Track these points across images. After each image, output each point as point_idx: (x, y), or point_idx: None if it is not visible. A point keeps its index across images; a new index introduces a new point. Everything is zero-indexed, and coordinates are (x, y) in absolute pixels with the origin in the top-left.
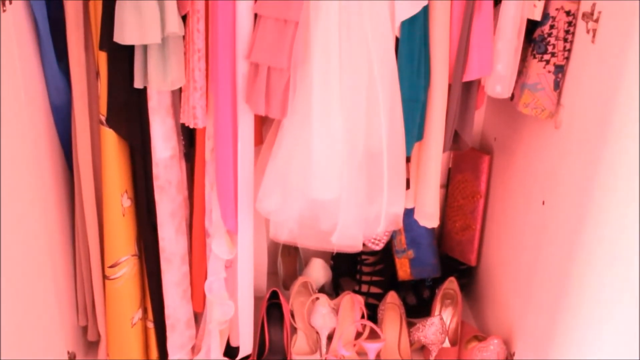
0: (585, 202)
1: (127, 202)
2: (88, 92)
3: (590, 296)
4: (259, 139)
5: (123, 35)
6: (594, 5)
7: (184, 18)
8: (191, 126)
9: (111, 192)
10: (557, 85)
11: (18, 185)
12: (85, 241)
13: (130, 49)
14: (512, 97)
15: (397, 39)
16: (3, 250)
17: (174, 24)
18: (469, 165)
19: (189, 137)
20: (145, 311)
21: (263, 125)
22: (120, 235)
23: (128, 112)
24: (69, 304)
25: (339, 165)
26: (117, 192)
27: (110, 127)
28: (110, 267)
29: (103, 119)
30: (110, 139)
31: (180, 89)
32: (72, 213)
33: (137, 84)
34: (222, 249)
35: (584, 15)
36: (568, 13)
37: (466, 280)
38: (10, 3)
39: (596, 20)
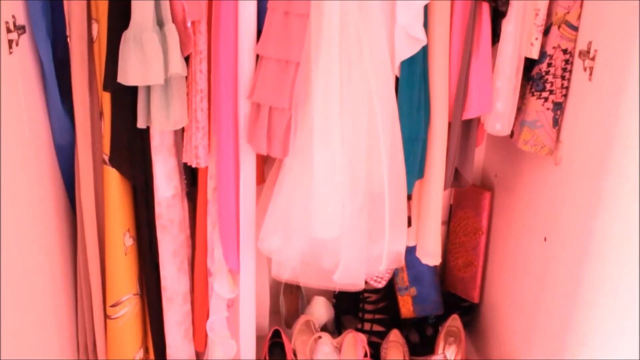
0: (586, 238)
1: (129, 241)
2: (91, 132)
3: (594, 332)
4: (261, 178)
5: (127, 76)
6: (590, 43)
7: (187, 59)
8: (193, 165)
9: (113, 231)
10: (556, 122)
11: (21, 223)
12: (87, 280)
13: (133, 89)
14: (511, 134)
15: (396, 78)
16: (4, 288)
17: (177, 65)
18: (470, 201)
19: (191, 176)
20: (146, 351)
21: (265, 165)
22: (122, 274)
23: (131, 151)
24: (70, 343)
25: (340, 204)
26: (120, 231)
27: (113, 166)
28: (112, 306)
29: (106, 158)
30: (113, 178)
31: (182, 129)
32: (74, 252)
33: (140, 123)
34: (224, 288)
35: (580, 53)
36: (565, 51)
37: (469, 317)
38: (17, 45)
39: (593, 59)
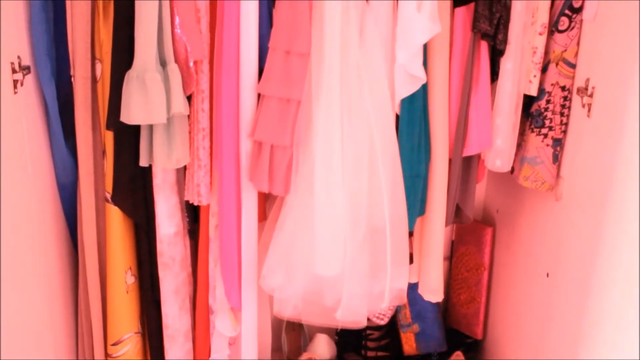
0: (589, 273)
1: (130, 279)
2: (94, 170)
3: None
4: (263, 216)
5: (129, 115)
6: (587, 80)
7: (189, 97)
8: (195, 203)
9: (115, 269)
10: (556, 158)
11: (22, 260)
12: (88, 318)
13: (136, 128)
14: (512, 170)
15: (397, 116)
16: (4, 324)
17: (180, 104)
18: (472, 237)
19: (193, 214)
20: None
21: (266, 202)
22: (124, 313)
23: (133, 189)
24: None
25: (342, 241)
26: (121, 269)
27: (116, 204)
28: (113, 344)
29: (108, 196)
30: (115, 216)
31: (184, 167)
32: (75, 289)
33: (143, 162)
34: (226, 326)
35: (578, 90)
36: (563, 88)
37: (473, 353)
38: (22, 85)
39: (591, 95)
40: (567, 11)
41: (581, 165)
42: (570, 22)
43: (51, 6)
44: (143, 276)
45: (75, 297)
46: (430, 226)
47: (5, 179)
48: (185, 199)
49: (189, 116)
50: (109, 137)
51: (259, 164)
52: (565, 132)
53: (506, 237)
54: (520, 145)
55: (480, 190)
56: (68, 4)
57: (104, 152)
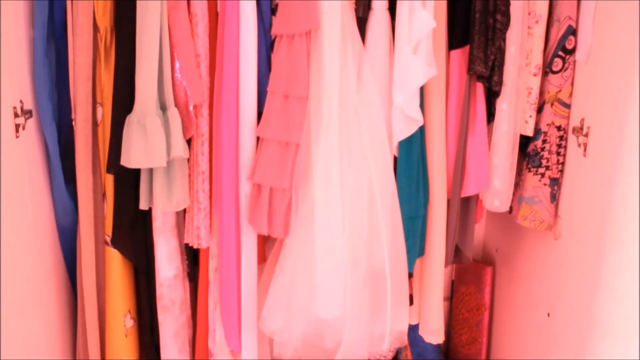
0: (589, 313)
1: (130, 323)
2: (94, 214)
3: None
4: (262, 258)
5: (130, 158)
6: (582, 120)
7: (189, 141)
8: (195, 246)
9: (114, 313)
10: (554, 198)
11: (20, 303)
12: None
13: (136, 171)
14: (510, 210)
15: (395, 158)
16: None
17: (179, 148)
18: (472, 277)
19: (192, 257)
20: None
21: (266, 244)
22: (123, 357)
23: (133, 232)
24: None
25: (342, 283)
26: (121, 313)
27: (115, 247)
28: None
29: (108, 239)
30: (115, 259)
31: (184, 209)
32: (74, 333)
33: (143, 205)
34: None
35: (574, 129)
36: (559, 128)
37: None
38: (24, 129)
39: (586, 135)
40: (560, 52)
41: (579, 204)
42: (564, 63)
43: (54, 51)
44: (142, 319)
45: (74, 341)
46: (430, 267)
47: (5, 221)
48: (185, 241)
49: (188, 159)
50: (109, 180)
51: (258, 206)
52: (562, 171)
53: (506, 276)
54: (517, 185)
55: (480, 230)
56: (70, 49)
57: (104, 196)
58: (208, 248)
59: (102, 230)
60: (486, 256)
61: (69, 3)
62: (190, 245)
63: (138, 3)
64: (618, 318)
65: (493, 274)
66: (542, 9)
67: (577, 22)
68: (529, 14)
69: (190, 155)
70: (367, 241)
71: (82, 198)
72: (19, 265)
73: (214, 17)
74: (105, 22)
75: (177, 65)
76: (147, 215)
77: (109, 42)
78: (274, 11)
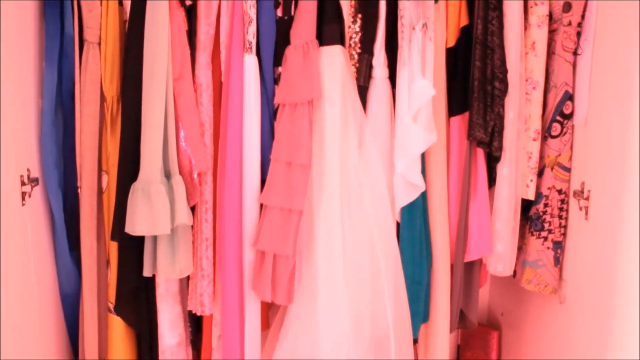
0: None
1: None
2: (98, 281)
3: None
4: (266, 324)
5: (134, 226)
6: (583, 184)
7: (193, 208)
8: (198, 313)
9: None
10: (558, 261)
11: None
12: None
13: (140, 238)
14: (514, 274)
15: (398, 224)
16: None
17: (184, 216)
18: (478, 341)
19: (195, 324)
20: None
21: (270, 311)
22: None
23: (136, 299)
24: None
25: (345, 350)
26: None
27: (118, 314)
28: None
29: (111, 306)
30: (118, 326)
31: (187, 276)
32: None
33: (147, 272)
34: None
35: (575, 193)
36: (560, 192)
37: None
38: (30, 197)
39: (587, 198)
40: (558, 117)
41: (583, 267)
42: (562, 127)
43: (61, 120)
44: None
45: None
46: (435, 332)
47: (8, 288)
48: (188, 308)
49: (192, 226)
50: (113, 247)
51: (261, 273)
52: (564, 234)
53: (513, 340)
54: (521, 248)
55: (484, 294)
56: (77, 118)
57: (108, 263)
58: (211, 315)
59: (105, 297)
60: (492, 320)
61: (77, 73)
62: (193, 312)
63: (144, 74)
64: None
65: (499, 338)
66: (539, 75)
67: (573, 87)
68: (526, 80)
69: (194, 222)
70: (370, 307)
71: (85, 265)
72: (22, 331)
73: (218, 87)
74: (112, 91)
75: (181, 133)
76: (151, 282)
77: (115, 111)
78: (276, 80)
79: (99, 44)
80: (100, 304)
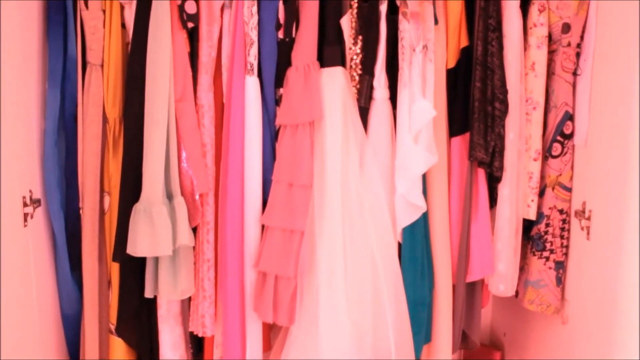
0: None
1: None
2: (99, 302)
3: None
4: (267, 346)
5: (136, 247)
6: (584, 203)
7: (194, 229)
8: (200, 335)
9: None
10: (560, 281)
11: None
12: None
13: (142, 259)
14: (516, 294)
15: (399, 244)
16: None
17: (185, 237)
18: None
19: (197, 345)
20: None
21: (271, 332)
22: None
23: (138, 321)
24: None
25: None
26: None
27: (120, 336)
28: None
29: (113, 328)
30: (119, 348)
31: (189, 297)
32: None
33: (148, 293)
34: None
35: (576, 213)
36: (561, 211)
37: None
38: (32, 218)
39: (588, 218)
40: (558, 137)
41: (585, 287)
42: (563, 147)
43: (63, 142)
44: None
45: None
46: (437, 353)
47: (9, 309)
48: (190, 329)
49: (194, 247)
50: (115, 268)
51: (263, 294)
52: (566, 254)
53: None
54: (522, 268)
55: (486, 314)
56: (80, 139)
57: (109, 284)
58: (213, 336)
59: (106, 319)
60: (494, 340)
61: (79, 94)
62: (195, 333)
63: (147, 96)
64: None
65: (502, 359)
66: (539, 95)
67: (573, 107)
68: (527, 101)
69: (195, 243)
70: (372, 329)
71: (87, 286)
72: (23, 352)
73: (219, 108)
74: (114, 113)
75: (183, 155)
76: (152, 303)
77: (117, 133)
78: (278, 102)
79: (102, 65)
80: (102, 325)
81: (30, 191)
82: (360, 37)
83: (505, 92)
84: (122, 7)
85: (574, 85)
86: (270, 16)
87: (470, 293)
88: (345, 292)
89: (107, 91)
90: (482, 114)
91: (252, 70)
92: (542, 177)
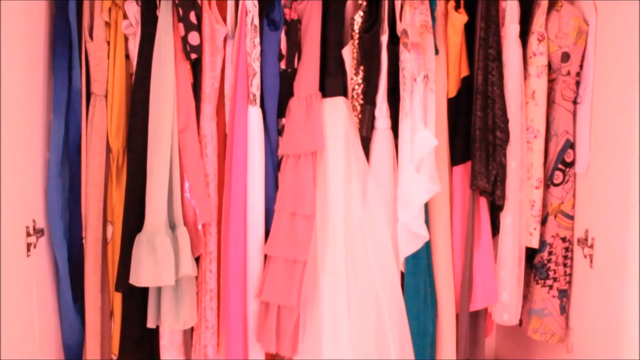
0: None
1: None
2: (101, 332)
3: None
4: None
5: (138, 277)
6: (587, 231)
7: (197, 259)
8: None
9: None
10: (564, 310)
11: None
12: None
13: (144, 289)
14: (520, 323)
15: (402, 274)
16: None
17: (188, 267)
18: None
19: None
20: None
21: None
22: None
23: (140, 351)
24: None
25: None
26: None
27: None
28: None
29: (115, 358)
30: None
31: (192, 328)
32: None
33: (150, 323)
34: None
35: (579, 241)
36: (564, 239)
37: None
38: (35, 247)
39: (591, 246)
40: (560, 165)
41: (590, 315)
42: (565, 175)
43: (67, 172)
44: None
45: None
46: None
47: (11, 339)
48: None
49: (197, 277)
50: (117, 298)
51: (266, 324)
52: (570, 282)
53: None
54: (526, 297)
55: (491, 344)
56: (83, 170)
57: (111, 314)
58: None
59: (108, 349)
60: None
61: (84, 125)
62: None
63: (150, 126)
64: None
65: None
66: (540, 124)
67: (574, 135)
68: (527, 129)
69: (198, 273)
70: (375, 357)
71: (89, 316)
72: None
73: (222, 138)
74: (118, 143)
75: (186, 185)
76: (155, 333)
77: (121, 163)
78: (280, 132)
79: (106, 96)
80: (103, 355)
81: (34, 221)
82: (361, 68)
83: (506, 120)
84: (126, 39)
85: (574, 114)
86: (272, 47)
87: (473, 322)
88: (348, 322)
89: (111, 121)
90: (484, 143)
91: (255, 100)
92: (544, 205)
